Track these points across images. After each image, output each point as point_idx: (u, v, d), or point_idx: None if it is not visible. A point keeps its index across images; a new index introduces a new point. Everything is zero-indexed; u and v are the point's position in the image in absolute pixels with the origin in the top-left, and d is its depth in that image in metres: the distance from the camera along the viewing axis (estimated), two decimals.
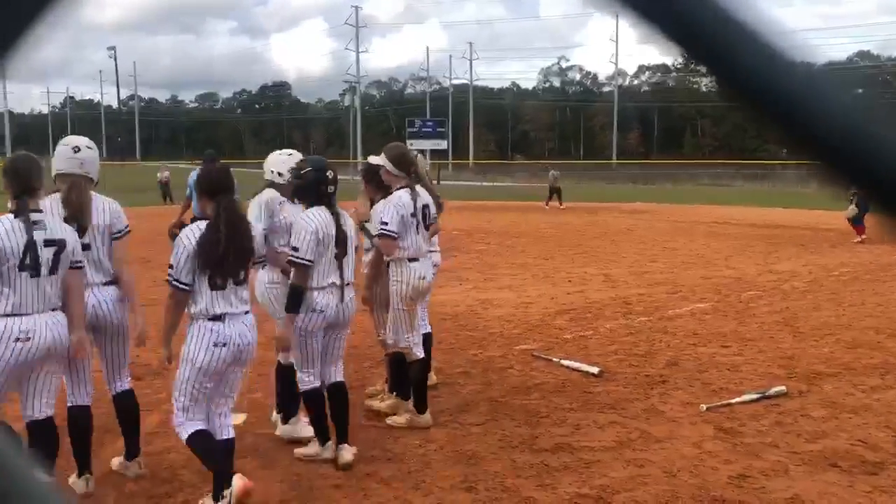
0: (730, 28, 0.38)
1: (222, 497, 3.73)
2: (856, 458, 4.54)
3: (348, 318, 4.59)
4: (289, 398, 4.95)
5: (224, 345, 3.79)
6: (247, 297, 3.98)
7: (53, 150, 4.23)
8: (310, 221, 4.37)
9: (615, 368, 6.55)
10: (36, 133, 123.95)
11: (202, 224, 3.85)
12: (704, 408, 5.41)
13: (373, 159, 5.29)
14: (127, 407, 4.35)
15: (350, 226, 4.60)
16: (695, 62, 0.39)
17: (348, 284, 4.53)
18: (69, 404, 4.18)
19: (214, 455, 3.88)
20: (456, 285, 10.83)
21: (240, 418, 5.27)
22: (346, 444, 4.51)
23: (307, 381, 4.53)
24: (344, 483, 4.24)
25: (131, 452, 4.36)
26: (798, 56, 0.38)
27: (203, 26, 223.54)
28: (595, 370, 6.35)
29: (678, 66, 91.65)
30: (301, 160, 4.78)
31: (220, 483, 3.76)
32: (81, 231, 3.99)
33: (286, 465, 4.49)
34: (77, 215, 4.00)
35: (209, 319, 3.79)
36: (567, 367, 6.52)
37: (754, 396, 5.62)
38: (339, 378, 4.67)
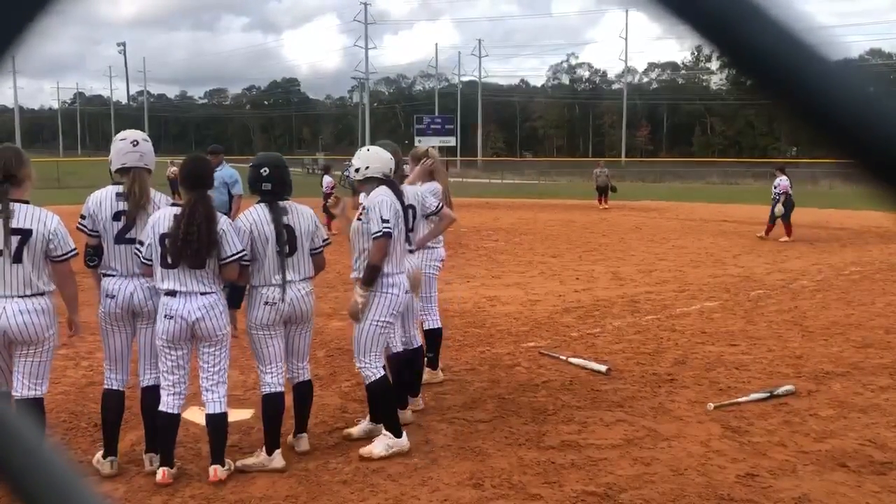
0: (759, 21, 0.37)
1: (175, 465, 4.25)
2: (864, 457, 4.52)
3: (305, 313, 4.53)
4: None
5: (171, 317, 4.12)
6: (208, 280, 4.17)
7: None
8: (244, 221, 4.41)
9: (623, 366, 6.53)
10: (46, 128, 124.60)
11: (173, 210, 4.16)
12: (712, 406, 5.40)
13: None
14: (151, 402, 4.34)
15: (303, 221, 4.51)
16: (725, 57, 0.38)
17: (304, 280, 4.49)
18: (105, 387, 4.40)
19: (154, 431, 4.29)
20: (463, 282, 10.83)
21: (247, 413, 5.29)
22: (304, 434, 4.69)
23: (269, 381, 4.46)
24: (351, 479, 4.25)
25: (151, 445, 4.41)
26: (830, 52, 0.37)
27: (218, 23, 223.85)
28: (603, 368, 6.34)
29: (687, 64, 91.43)
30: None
31: (158, 455, 4.27)
32: (132, 224, 4.21)
33: (294, 461, 4.50)
34: (138, 208, 4.22)
35: (164, 294, 4.15)
36: (574, 365, 6.52)
37: (762, 395, 5.60)
38: (307, 377, 4.69)
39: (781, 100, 0.38)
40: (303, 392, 4.69)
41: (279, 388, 4.49)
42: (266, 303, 4.39)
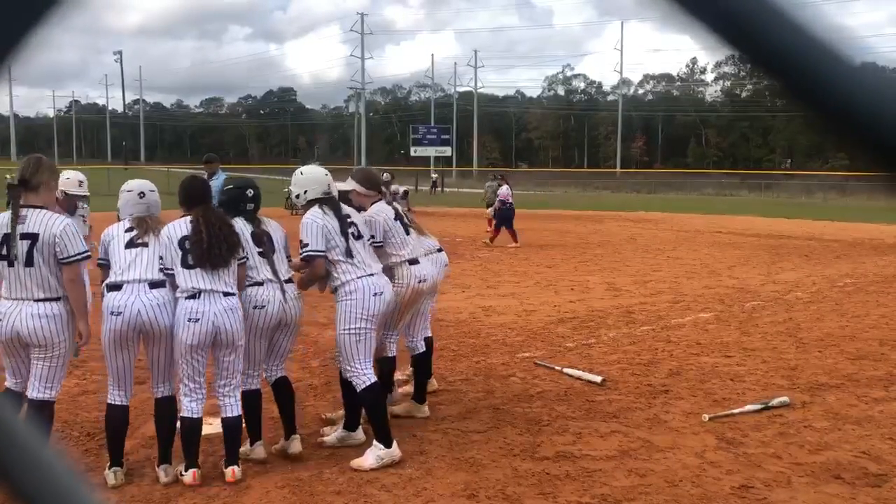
0: (789, 27, 0.36)
1: (181, 474, 4.26)
2: (859, 469, 4.52)
3: (295, 316, 4.65)
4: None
5: (196, 320, 4.15)
6: (230, 281, 4.27)
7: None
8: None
9: (618, 377, 6.53)
10: (41, 136, 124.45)
11: (183, 221, 4.33)
12: (707, 418, 5.39)
13: (340, 186, 5.24)
14: (165, 413, 4.43)
15: (274, 228, 4.73)
16: (751, 64, 0.36)
17: (287, 281, 4.63)
18: (109, 402, 4.39)
19: (168, 442, 4.37)
20: (458, 292, 10.82)
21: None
22: (296, 435, 4.70)
23: (250, 382, 4.60)
24: (345, 489, 4.23)
25: (165, 457, 4.41)
26: (859, 57, 0.36)
27: (223, 34, 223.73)
28: (597, 379, 6.33)
29: (683, 76, 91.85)
30: (228, 178, 5.01)
31: (171, 466, 4.34)
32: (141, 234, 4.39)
33: (287, 470, 4.48)
34: (147, 234, 4.40)
35: (186, 298, 4.19)
36: (569, 376, 6.51)
37: (757, 407, 5.61)
38: (282, 373, 4.80)
39: (809, 104, 0.36)
40: (283, 389, 4.77)
41: (257, 386, 4.67)
42: (255, 306, 4.50)
